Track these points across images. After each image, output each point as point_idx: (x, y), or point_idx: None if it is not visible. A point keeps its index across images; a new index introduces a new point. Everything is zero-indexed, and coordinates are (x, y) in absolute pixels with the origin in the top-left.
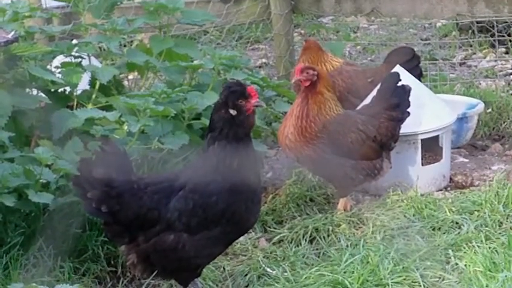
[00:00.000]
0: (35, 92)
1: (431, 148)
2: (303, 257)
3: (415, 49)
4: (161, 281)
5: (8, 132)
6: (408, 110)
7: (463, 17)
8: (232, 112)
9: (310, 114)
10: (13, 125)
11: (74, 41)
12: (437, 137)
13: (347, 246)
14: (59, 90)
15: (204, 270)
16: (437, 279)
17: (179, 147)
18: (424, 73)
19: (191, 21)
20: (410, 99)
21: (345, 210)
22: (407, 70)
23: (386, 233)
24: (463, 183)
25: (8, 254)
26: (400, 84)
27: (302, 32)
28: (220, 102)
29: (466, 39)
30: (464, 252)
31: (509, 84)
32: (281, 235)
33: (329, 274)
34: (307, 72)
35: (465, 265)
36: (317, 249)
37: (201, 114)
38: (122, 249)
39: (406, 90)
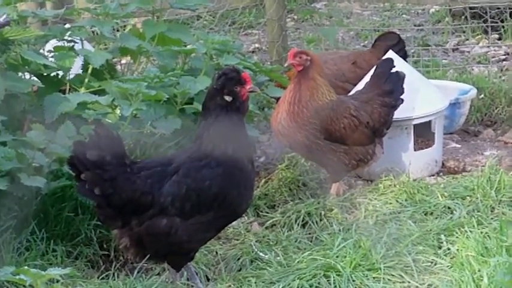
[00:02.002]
0: (27, 76)
1: (423, 133)
2: (295, 241)
3: (408, 35)
4: (154, 265)
5: (1, 116)
6: (402, 96)
7: (456, 3)
8: (228, 98)
9: (303, 100)
10: (5, 108)
11: (67, 25)
12: (429, 122)
13: (339, 230)
14: (52, 74)
15: (197, 254)
16: (430, 263)
17: (171, 132)
18: (416, 59)
19: (184, 5)
20: (404, 85)
21: (337, 195)
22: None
23: (378, 218)
24: (455, 169)
25: (0, 238)
26: (394, 70)
27: (295, 17)
28: (215, 88)
29: (459, 25)
30: (457, 237)
31: (501, 70)
32: (273, 219)
33: (321, 258)
34: (300, 57)
35: (457, 250)
36: (309, 233)
37: (194, 98)
38: (114, 233)
39: (400, 77)
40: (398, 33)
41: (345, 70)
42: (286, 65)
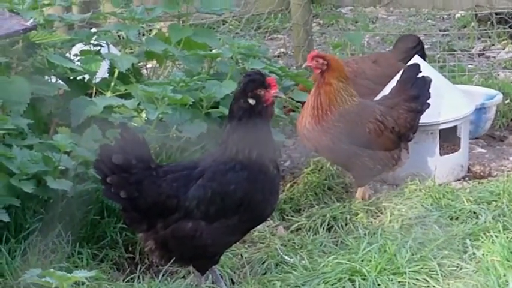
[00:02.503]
0: (53, 79)
1: (449, 138)
2: (320, 245)
3: (434, 40)
4: (179, 268)
5: (27, 119)
6: (428, 101)
7: (482, 8)
8: (251, 102)
9: (324, 104)
10: (32, 112)
11: (93, 30)
12: (455, 127)
13: (365, 234)
14: (78, 78)
15: (222, 257)
16: (455, 268)
17: (197, 136)
18: (442, 64)
19: (210, 10)
20: (430, 90)
21: (362, 199)
22: (411, 55)
23: (404, 222)
24: (481, 174)
25: (26, 240)
26: (420, 75)
27: (320, 22)
28: (239, 91)
29: (485, 30)
30: (482, 242)
31: None
32: (299, 223)
33: (346, 262)
34: (317, 61)
35: (482, 254)
36: (335, 237)
37: (219, 102)
38: (140, 236)
39: (426, 82)
40: (419, 36)
41: (365, 68)
42: (303, 66)
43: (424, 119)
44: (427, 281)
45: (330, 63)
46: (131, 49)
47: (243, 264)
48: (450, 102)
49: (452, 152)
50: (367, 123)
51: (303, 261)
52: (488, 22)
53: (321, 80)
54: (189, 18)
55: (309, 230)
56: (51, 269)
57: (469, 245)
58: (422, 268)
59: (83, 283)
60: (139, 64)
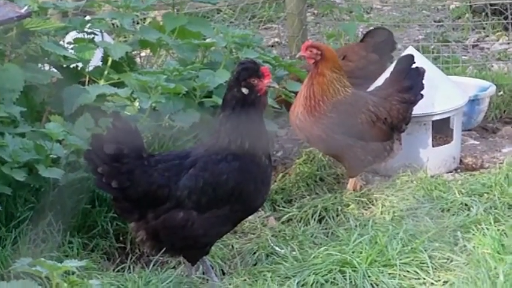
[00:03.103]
0: (47, 67)
1: (442, 130)
2: (311, 236)
3: (428, 30)
4: (170, 258)
5: (20, 107)
6: (421, 92)
7: None
8: (245, 91)
9: (316, 95)
10: (25, 100)
11: (87, 17)
12: (448, 118)
13: (356, 226)
14: (71, 66)
15: (213, 248)
16: (446, 260)
17: (190, 125)
18: (436, 55)
19: None
20: (423, 81)
21: (354, 190)
22: (380, 50)
23: (395, 214)
24: (473, 165)
25: (17, 229)
26: (414, 66)
27: (315, 12)
28: (232, 80)
29: (479, 21)
30: (473, 234)
31: None
32: (290, 214)
33: (337, 254)
34: (311, 51)
35: (474, 247)
36: (326, 228)
37: (213, 92)
38: (131, 226)
39: (420, 73)
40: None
41: None
42: (297, 56)
43: (417, 110)
44: (417, 273)
45: (324, 53)
46: (125, 37)
47: (234, 255)
48: (443, 93)
49: (444, 144)
50: (360, 114)
51: (294, 253)
52: (483, 13)
53: (314, 70)
54: (184, 7)
55: (300, 221)
56: (42, 258)
57: (460, 237)
58: (413, 260)
59: (74, 272)
60: (133, 53)
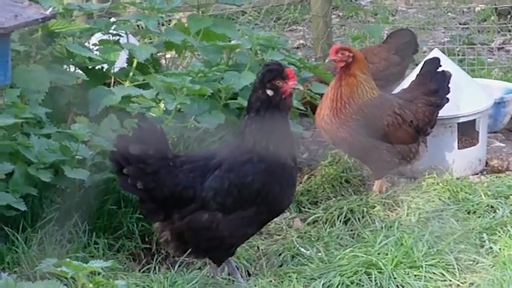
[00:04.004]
0: (72, 68)
1: (467, 132)
2: (337, 238)
3: (454, 33)
4: (195, 259)
5: (45, 108)
6: (447, 96)
7: (503, 2)
8: (269, 93)
9: (344, 97)
10: (50, 101)
11: (112, 19)
12: (474, 121)
13: (381, 228)
14: (97, 68)
15: (238, 249)
16: (471, 262)
17: (215, 127)
18: (462, 57)
19: (229, 1)
20: (450, 85)
21: (380, 192)
22: (402, 52)
23: (421, 216)
24: (499, 168)
25: (43, 229)
26: (440, 69)
27: (340, 14)
28: (257, 82)
29: (505, 24)
30: (499, 236)
31: None
32: (316, 215)
33: (363, 255)
34: (342, 53)
35: (499, 249)
36: (351, 230)
37: (238, 94)
38: (155, 226)
39: (446, 77)
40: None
41: None
42: (327, 60)
43: (443, 112)
44: (443, 275)
45: (355, 55)
46: (150, 39)
47: (259, 256)
48: (469, 95)
49: (470, 146)
50: (386, 116)
51: (319, 254)
52: (508, 16)
53: (345, 72)
54: (209, 8)
55: (325, 223)
56: (68, 259)
57: (486, 239)
58: (438, 262)
59: (99, 273)
60: (158, 54)
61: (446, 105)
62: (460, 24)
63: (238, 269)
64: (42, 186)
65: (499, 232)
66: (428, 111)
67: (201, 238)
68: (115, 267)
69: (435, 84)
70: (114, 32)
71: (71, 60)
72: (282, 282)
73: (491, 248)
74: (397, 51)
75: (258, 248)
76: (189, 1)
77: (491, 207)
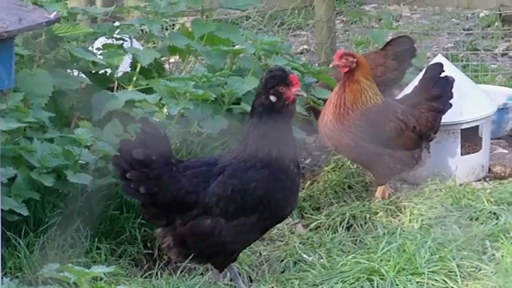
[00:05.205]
0: (76, 73)
1: (470, 138)
2: (339, 244)
3: (457, 38)
4: (197, 265)
5: (48, 112)
6: (450, 101)
7: (507, 8)
8: (273, 98)
9: (347, 102)
10: (53, 105)
11: (116, 23)
12: (477, 127)
13: (384, 234)
14: (100, 72)
15: (240, 255)
16: (474, 269)
17: (218, 132)
18: (465, 63)
19: (234, 5)
20: (453, 90)
21: (382, 198)
22: (400, 58)
23: (423, 222)
24: (502, 174)
25: (45, 234)
26: (443, 75)
27: (344, 19)
28: (261, 87)
29: (509, 30)
30: (502, 243)
31: None
32: (318, 221)
33: (365, 262)
34: (346, 59)
35: (502, 256)
36: (354, 236)
37: (241, 99)
38: (157, 232)
39: (449, 82)
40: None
41: None
42: (331, 66)
43: (446, 118)
44: (445, 281)
45: (359, 60)
46: (154, 43)
47: (261, 262)
48: (472, 101)
49: (473, 152)
50: (389, 122)
51: (322, 260)
52: None
53: (348, 78)
54: (213, 13)
55: (328, 229)
56: (70, 264)
57: (489, 246)
58: (441, 269)
59: (101, 278)
60: (162, 59)
61: (449, 111)
62: (464, 30)
63: (240, 274)
64: (45, 191)
65: (502, 239)
66: (431, 117)
67: (204, 244)
68: (117, 272)
69: (438, 90)
70: (118, 37)
71: (75, 64)
72: None
73: (493, 254)
74: (394, 57)
75: (260, 253)
76: (193, 5)
77: (494, 213)
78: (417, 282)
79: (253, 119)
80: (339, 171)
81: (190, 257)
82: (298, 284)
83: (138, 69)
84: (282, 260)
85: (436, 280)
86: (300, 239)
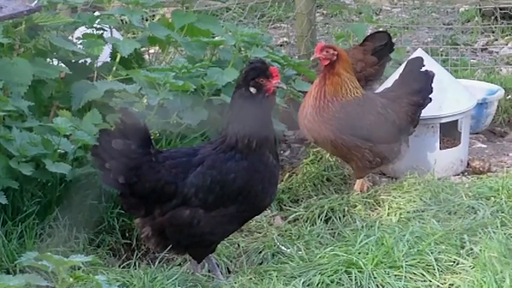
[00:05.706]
0: (55, 62)
1: (449, 132)
2: (317, 237)
3: (437, 33)
4: (175, 256)
5: (28, 101)
6: (430, 96)
7: (487, 3)
8: (253, 90)
9: (327, 95)
10: (33, 94)
11: (96, 13)
12: (456, 121)
13: (362, 227)
14: (80, 62)
15: (219, 246)
16: (452, 263)
17: (197, 123)
18: (445, 58)
19: None
20: (433, 85)
21: (361, 191)
22: (379, 53)
23: (402, 216)
24: (481, 169)
25: (23, 223)
26: (423, 69)
27: (324, 12)
28: (241, 79)
29: (489, 25)
30: (480, 238)
31: None
32: (296, 214)
33: (343, 254)
34: (327, 51)
35: (480, 250)
36: (332, 229)
37: (221, 90)
38: (136, 222)
39: (429, 76)
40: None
41: None
42: (312, 58)
43: (425, 112)
44: (423, 275)
45: (340, 53)
46: (134, 34)
47: (240, 253)
48: (452, 96)
49: (452, 147)
50: (368, 115)
51: (300, 252)
52: (492, 17)
53: (329, 71)
54: (193, 4)
55: (306, 221)
56: (48, 253)
57: (467, 241)
58: (419, 262)
59: (79, 268)
60: (142, 49)
61: (429, 105)
62: (443, 24)
63: (218, 266)
64: (23, 180)
65: (480, 233)
66: (411, 111)
67: (182, 234)
68: (95, 262)
69: (418, 84)
70: (98, 26)
71: (54, 53)
72: (262, 280)
73: (471, 249)
74: (373, 52)
75: (238, 245)
76: None
77: (472, 208)
78: (395, 275)
79: (233, 110)
80: (318, 164)
81: (169, 248)
82: (276, 276)
83: (118, 60)
84: (260, 252)
85: (414, 274)
86: (279, 231)
